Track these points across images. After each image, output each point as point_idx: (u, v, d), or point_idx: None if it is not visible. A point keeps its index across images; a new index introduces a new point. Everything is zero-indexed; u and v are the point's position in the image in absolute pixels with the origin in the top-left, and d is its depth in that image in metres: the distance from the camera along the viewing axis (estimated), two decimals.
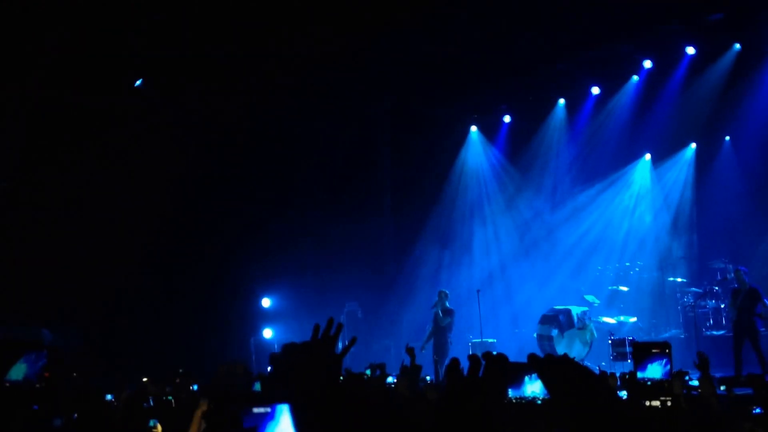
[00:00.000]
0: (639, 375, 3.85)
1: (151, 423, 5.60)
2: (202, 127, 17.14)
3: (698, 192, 18.23)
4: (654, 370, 3.83)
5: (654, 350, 3.92)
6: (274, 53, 15.99)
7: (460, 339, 16.69)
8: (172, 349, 16.39)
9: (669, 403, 3.51)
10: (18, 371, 3.50)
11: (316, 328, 2.35)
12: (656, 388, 3.70)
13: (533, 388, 3.39)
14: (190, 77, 16.42)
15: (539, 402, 3.40)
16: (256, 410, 2.12)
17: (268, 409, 2.10)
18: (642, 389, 3.70)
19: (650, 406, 3.56)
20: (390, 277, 19.50)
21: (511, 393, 3.20)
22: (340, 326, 2.29)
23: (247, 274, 18.02)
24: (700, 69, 17.06)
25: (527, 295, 18.51)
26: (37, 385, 3.48)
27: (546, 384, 3.20)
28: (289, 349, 2.27)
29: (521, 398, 3.22)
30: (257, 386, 7.28)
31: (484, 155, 20.33)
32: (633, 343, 4.29)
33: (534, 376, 3.43)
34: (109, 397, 6.75)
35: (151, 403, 6.20)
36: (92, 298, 16.69)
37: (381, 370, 10.19)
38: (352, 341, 2.45)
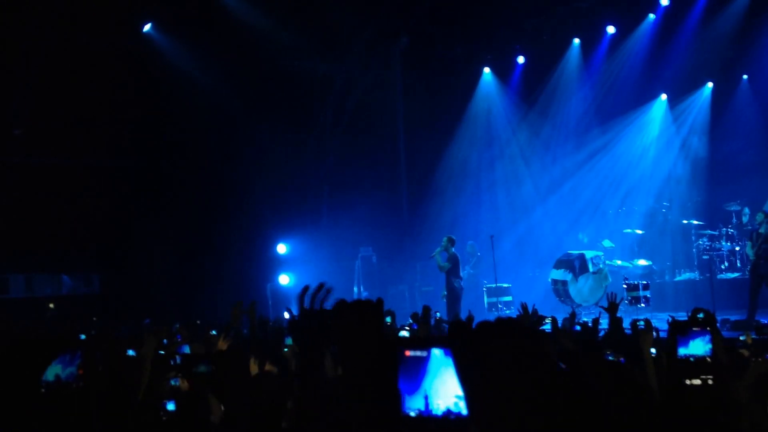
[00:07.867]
0: (681, 352, 3.77)
1: (173, 382, 5.21)
2: (218, 75, 16.93)
3: (715, 132, 18.00)
4: (696, 347, 3.73)
5: (695, 327, 3.80)
6: None
7: (476, 284, 16.80)
8: (187, 296, 16.54)
9: (710, 382, 3.47)
10: (52, 372, 3.53)
11: (305, 289, 2.48)
12: (698, 365, 3.64)
13: None
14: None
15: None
16: (411, 353, 2.21)
17: (425, 353, 2.20)
18: (684, 367, 3.64)
19: (691, 384, 3.51)
20: (404, 223, 19.40)
21: None
22: (328, 291, 2.52)
23: (262, 221, 17.98)
24: (719, 7, 16.70)
25: (544, 239, 18.48)
26: (73, 386, 3.51)
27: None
28: (341, 307, 2.36)
29: None
30: (288, 341, 7.15)
31: (498, 97, 20.01)
32: (673, 322, 4.12)
33: None
34: (130, 352, 6.26)
35: (178, 361, 5.90)
36: (110, 245, 16.82)
37: (391, 318, 10.28)
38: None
